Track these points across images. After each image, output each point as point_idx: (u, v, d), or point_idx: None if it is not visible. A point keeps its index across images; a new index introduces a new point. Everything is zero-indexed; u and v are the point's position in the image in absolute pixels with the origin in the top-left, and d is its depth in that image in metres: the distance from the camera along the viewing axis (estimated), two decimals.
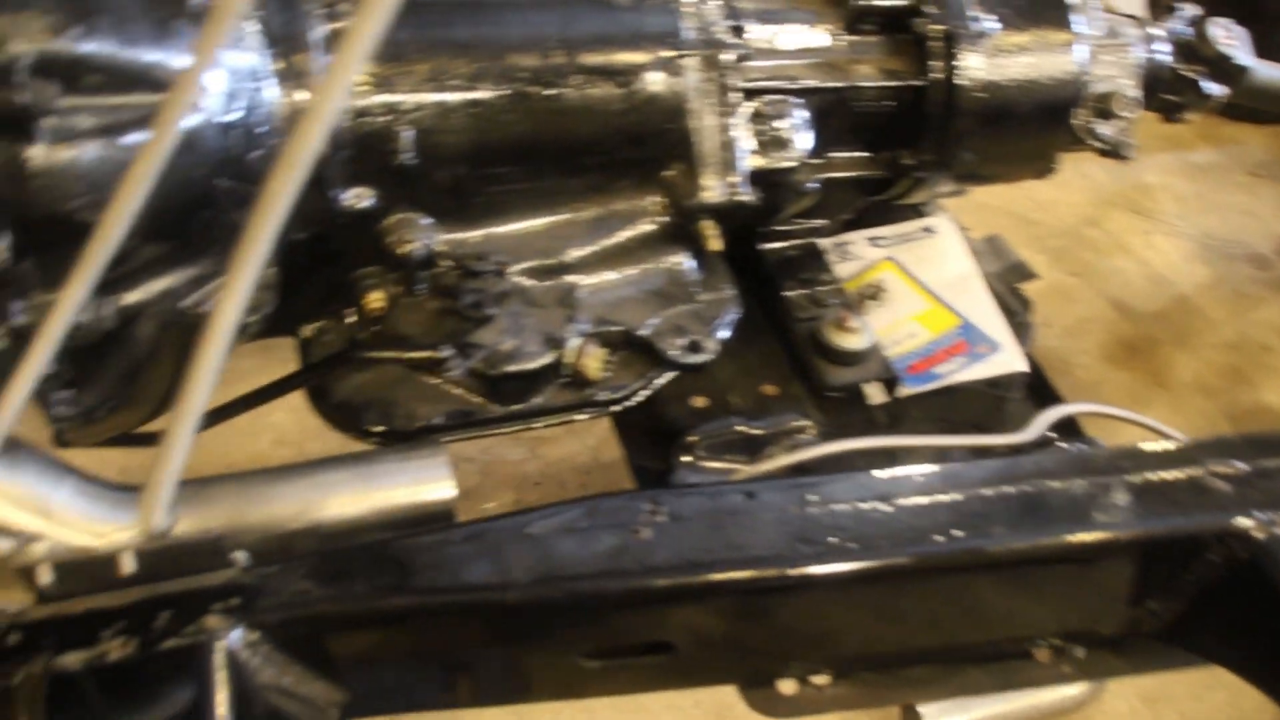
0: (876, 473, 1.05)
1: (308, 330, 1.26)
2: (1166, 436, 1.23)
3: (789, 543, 0.98)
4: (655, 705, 1.98)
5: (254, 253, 0.69)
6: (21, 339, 0.96)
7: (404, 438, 1.21)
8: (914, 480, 1.04)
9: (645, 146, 1.28)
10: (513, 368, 1.19)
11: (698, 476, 1.39)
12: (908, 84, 1.40)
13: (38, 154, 0.92)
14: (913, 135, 1.45)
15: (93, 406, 1.07)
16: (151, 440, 1.24)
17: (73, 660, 0.89)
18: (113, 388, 1.08)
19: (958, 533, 1.00)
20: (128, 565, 0.90)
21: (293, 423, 2.41)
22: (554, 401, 1.25)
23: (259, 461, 2.31)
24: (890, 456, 1.35)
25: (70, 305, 0.74)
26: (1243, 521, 1.01)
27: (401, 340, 1.20)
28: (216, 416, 1.23)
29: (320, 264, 1.20)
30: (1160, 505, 1.03)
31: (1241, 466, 1.06)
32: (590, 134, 1.24)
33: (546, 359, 1.21)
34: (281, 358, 1.33)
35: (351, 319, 1.25)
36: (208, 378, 0.72)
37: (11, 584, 1.04)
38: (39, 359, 0.74)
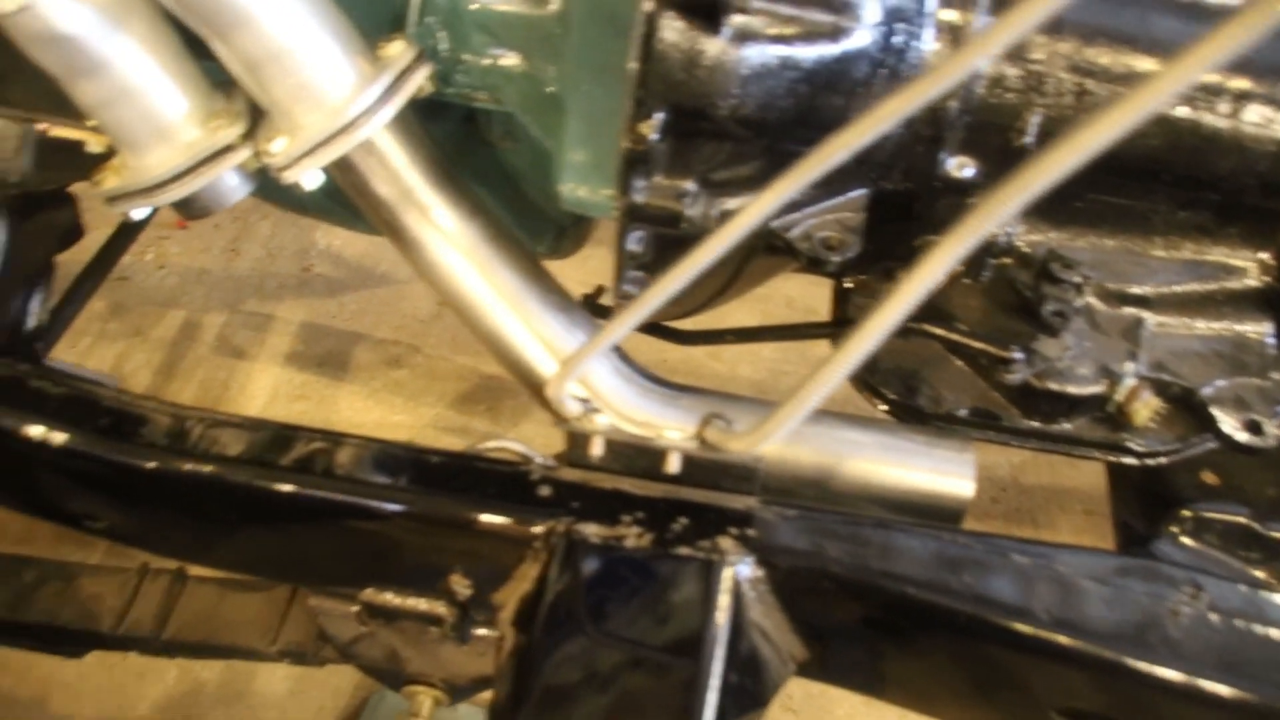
0: None
1: (850, 280, 1.24)
2: None
3: None
4: None
5: (991, 216, 0.65)
6: (631, 216, 0.99)
7: (916, 416, 1.17)
8: None
9: (1276, 198, 1.14)
10: (1057, 386, 1.11)
11: (1183, 555, 1.27)
12: None
13: (714, 47, 0.93)
14: None
15: None
16: (664, 334, 1.27)
17: (592, 532, 0.92)
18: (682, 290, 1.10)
19: None
20: (674, 466, 0.91)
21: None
22: (1082, 433, 1.17)
23: (696, 371, 2.37)
24: None
25: (765, 208, 0.73)
26: None
27: (947, 319, 1.15)
28: (738, 336, 1.24)
29: (896, 219, 1.17)
30: None
31: None
32: (1223, 169, 1.12)
33: (1095, 389, 1.12)
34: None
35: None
36: (883, 331, 0.70)
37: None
38: (707, 254, 0.75)
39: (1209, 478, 1.34)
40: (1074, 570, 0.91)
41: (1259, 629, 0.89)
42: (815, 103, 1.01)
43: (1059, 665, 0.90)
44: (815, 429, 1.05)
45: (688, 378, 2.14)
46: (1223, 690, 0.86)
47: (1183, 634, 0.88)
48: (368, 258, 2.59)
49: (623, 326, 0.80)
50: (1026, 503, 2.31)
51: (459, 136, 1.25)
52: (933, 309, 1.17)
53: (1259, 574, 1.23)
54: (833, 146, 0.70)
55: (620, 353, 1.11)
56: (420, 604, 1.04)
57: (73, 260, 1.62)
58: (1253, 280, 1.20)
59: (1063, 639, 0.87)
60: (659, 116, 0.94)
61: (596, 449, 0.93)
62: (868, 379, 1.18)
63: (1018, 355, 1.08)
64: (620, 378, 1.08)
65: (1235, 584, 0.93)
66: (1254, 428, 1.16)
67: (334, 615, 1.11)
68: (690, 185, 0.99)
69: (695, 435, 0.89)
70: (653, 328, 1.28)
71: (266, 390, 2.40)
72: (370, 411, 2.36)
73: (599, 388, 1.05)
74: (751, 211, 0.74)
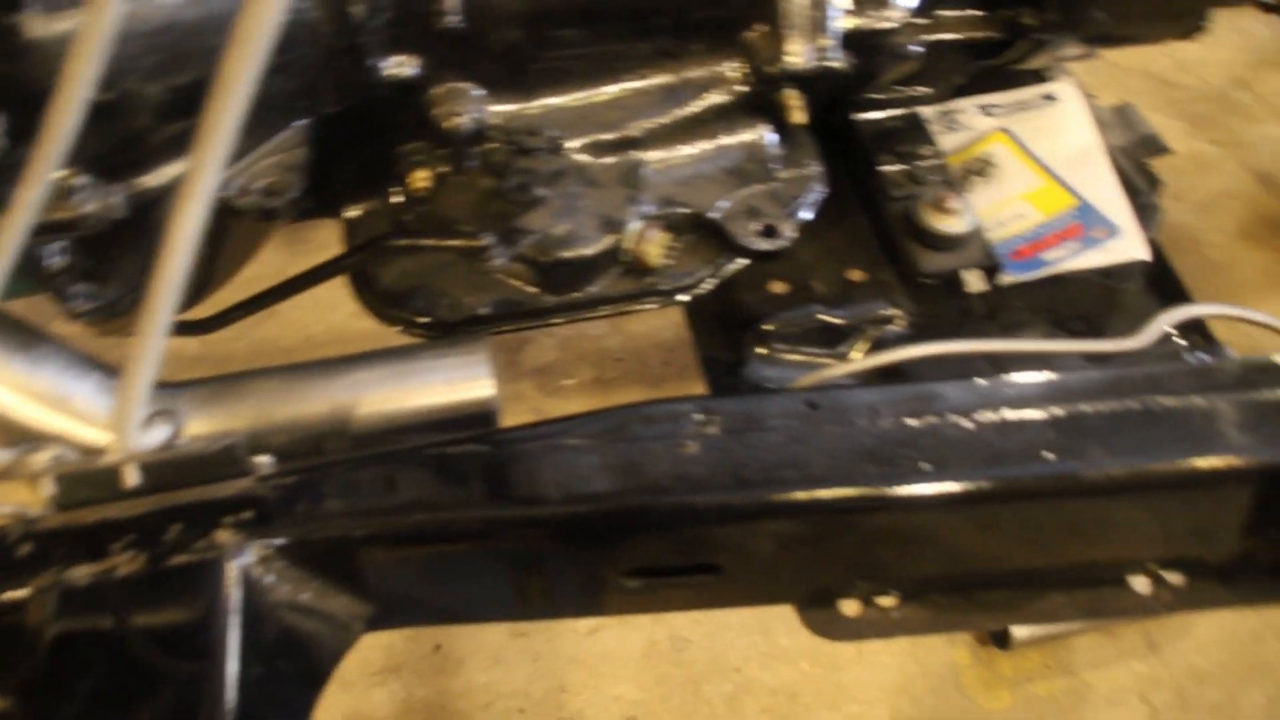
0: (954, 384, 0.94)
1: (352, 212, 1.18)
2: None
3: (854, 462, 0.88)
4: None
5: (218, 133, 0.60)
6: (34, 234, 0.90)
7: (451, 329, 1.13)
8: (1000, 393, 0.92)
9: (723, 4, 1.14)
10: (566, 254, 1.09)
11: (773, 370, 1.29)
12: None
13: (28, 23, 0.84)
14: None
15: (116, 299, 1.01)
16: (185, 330, 1.18)
17: (81, 574, 0.85)
18: (137, 278, 1.02)
19: (1048, 455, 0.89)
20: (131, 478, 0.84)
21: None
22: (612, 290, 1.16)
23: (336, 334, 2.28)
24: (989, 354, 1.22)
25: (33, 190, 0.66)
26: None
27: (446, 224, 1.11)
28: (246, 309, 1.15)
29: (362, 140, 1.11)
30: None
31: None
32: None
33: (603, 244, 1.11)
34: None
35: (398, 199, 1.16)
36: (175, 276, 0.64)
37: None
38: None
39: (778, 287, 1.36)
40: (583, 440, 0.89)
41: (766, 437, 0.89)
42: (188, 53, 0.93)
43: (587, 537, 0.89)
44: (314, 382, 1.00)
45: None
46: (742, 500, 0.87)
47: (695, 465, 0.87)
48: None
49: None
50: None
51: None
52: (434, 217, 1.13)
53: (832, 360, 1.26)
54: (63, 102, 0.63)
55: (109, 370, 1.02)
56: None
57: None
58: (733, 90, 1.20)
59: (577, 509, 0.86)
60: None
61: (47, 489, 0.85)
62: (387, 310, 1.14)
63: (487, 240, 1.04)
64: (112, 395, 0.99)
65: (748, 399, 0.93)
66: (770, 232, 1.17)
67: None
68: (79, 180, 0.90)
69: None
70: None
71: None
72: None
73: (82, 410, 0.96)
74: (24, 197, 0.67)
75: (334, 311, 2.24)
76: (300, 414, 1.00)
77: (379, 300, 1.14)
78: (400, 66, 1.07)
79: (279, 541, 0.86)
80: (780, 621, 1.86)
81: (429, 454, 0.90)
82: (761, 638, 1.84)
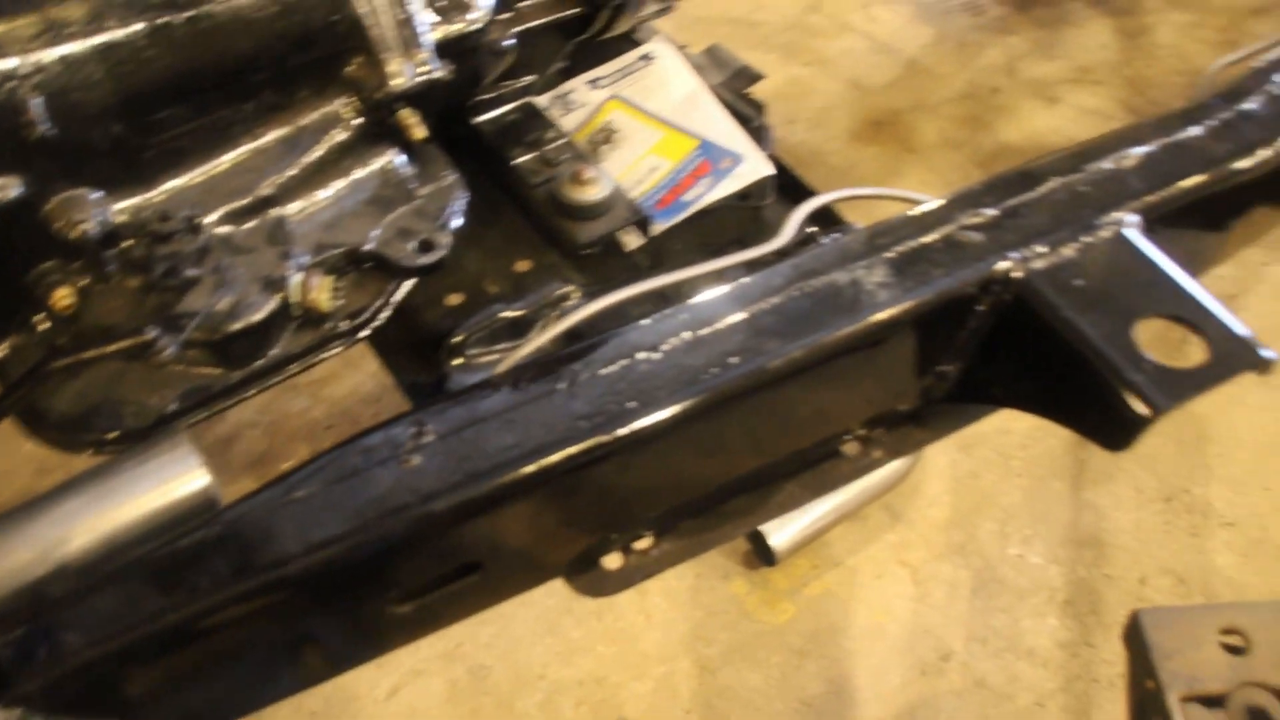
0: (638, 325, 1.00)
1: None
2: (914, 201, 1.21)
3: (568, 423, 0.92)
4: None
5: None
6: None
7: (144, 435, 1.10)
8: (677, 320, 0.99)
9: (314, 46, 1.16)
10: (236, 325, 1.08)
11: (475, 376, 1.32)
12: None
13: None
14: None
15: None
16: None
17: None
18: None
19: (734, 359, 0.96)
20: None
21: None
22: (294, 347, 1.15)
23: (27, 496, 2.13)
24: (661, 297, 1.30)
25: None
26: (1001, 265, 1.00)
27: (106, 333, 1.07)
28: None
29: None
30: (923, 272, 1.02)
31: (990, 212, 1.06)
32: (249, 49, 1.11)
33: (271, 306, 1.10)
34: None
35: (45, 326, 1.11)
36: None
37: None
38: None
39: (455, 299, 1.39)
40: (310, 489, 0.89)
41: (481, 428, 0.93)
42: None
43: (343, 579, 0.89)
44: (13, 533, 0.95)
45: None
46: (476, 491, 0.89)
47: (422, 475, 0.89)
48: None
49: None
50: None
51: None
52: (90, 331, 1.09)
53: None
54: None
55: None
56: None
57: None
58: (350, 125, 1.22)
59: (324, 556, 0.86)
60: None
61: None
62: (71, 438, 1.09)
63: (152, 333, 1.02)
64: None
65: (455, 400, 0.95)
66: (426, 246, 1.20)
67: None
68: None
69: None
70: None
71: None
72: None
73: None
74: None
75: (15, 476, 2.09)
76: (7, 569, 0.94)
77: (59, 431, 1.09)
78: (2, 190, 1.03)
79: (27, 697, 0.82)
80: (567, 617, 1.90)
81: (159, 555, 0.88)
82: (554, 639, 1.88)
